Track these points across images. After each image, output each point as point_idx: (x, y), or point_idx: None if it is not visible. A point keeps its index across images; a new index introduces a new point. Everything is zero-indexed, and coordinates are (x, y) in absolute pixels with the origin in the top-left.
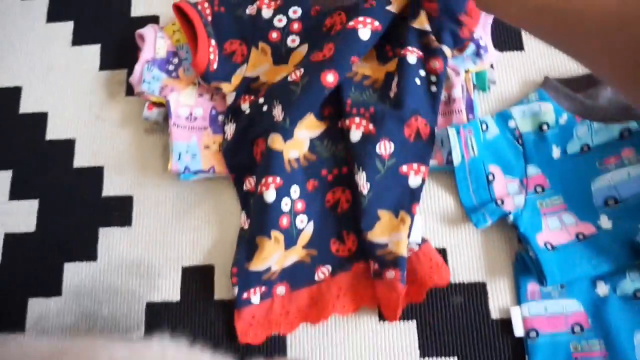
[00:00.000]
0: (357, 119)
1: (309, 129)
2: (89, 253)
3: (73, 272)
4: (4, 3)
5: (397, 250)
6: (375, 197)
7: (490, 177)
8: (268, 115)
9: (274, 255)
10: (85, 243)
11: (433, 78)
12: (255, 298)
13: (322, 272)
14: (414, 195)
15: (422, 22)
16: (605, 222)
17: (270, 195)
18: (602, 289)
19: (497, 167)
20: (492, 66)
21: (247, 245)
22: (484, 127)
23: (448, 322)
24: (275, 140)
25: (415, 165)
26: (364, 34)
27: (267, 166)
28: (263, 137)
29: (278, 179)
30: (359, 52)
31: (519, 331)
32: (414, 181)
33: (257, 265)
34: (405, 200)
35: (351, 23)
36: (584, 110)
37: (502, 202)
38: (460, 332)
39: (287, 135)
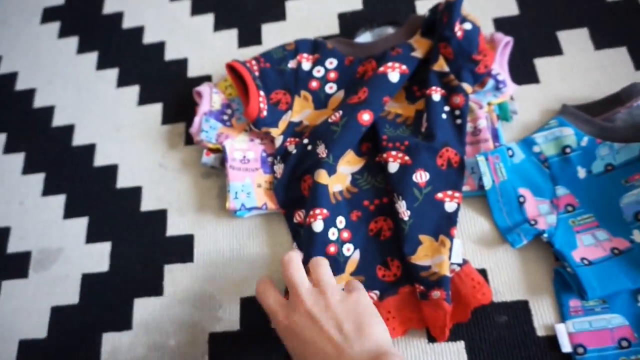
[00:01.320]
0: (393, 152)
1: (350, 164)
2: (156, 288)
3: (142, 307)
4: (81, 75)
5: (440, 271)
6: (416, 223)
7: (522, 199)
8: (313, 154)
9: None
10: (152, 280)
11: (457, 112)
12: None
13: (371, 297)
14: (451, 219)
15: (441, 65)
16: (638, 237)
17: (318, 226)
18: None
19: (526, 189)
20: (512, 98)
21: None
22: (510, 152)
23: (495, 341)
24: (321, 175)
25: (449, 192)
26: (394, 76)
27: (314, 199)
28: (309, 173)
29: (325, 211)
30: (390, 93)
31: (566, 347)
32: (449, 207)
33: None
34: (444, 225)
35: (381, 69)
36: (603, 132)
37: (536, 222)
38: (508, 351)
39: (331, 170)
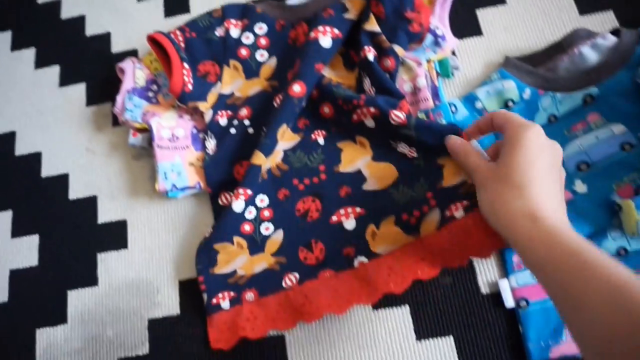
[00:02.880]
0: (358, 110)
1: (284, 140)
2: (90, 279)
3: (76, 299)
4: None
5: None
6: (427, 154)
7: None
8: (255, 139)
9: (237, 259)
10: (85, 270)
11: (387, 76)
12: (225, 304)
13: (290, 279)
14: (455, 127)
15: (372, 24)
16: (580, 187)
17: (238, 206)
18: None
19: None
20: (453, 53)
21: (206, 253)
22: (453, 109)
23: (440, 303)
24: (256, 156)
25: (434, 113)
26: (325, 42)
27: (244, 180)
28: (248, 159)
29: (249, 191)
30: (323, 60)
31: (509, 302)
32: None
33: (221, 268)
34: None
35: (312, 34)
36: (546, 82)
37: None
38: (453, 312)
39: (268, 150)
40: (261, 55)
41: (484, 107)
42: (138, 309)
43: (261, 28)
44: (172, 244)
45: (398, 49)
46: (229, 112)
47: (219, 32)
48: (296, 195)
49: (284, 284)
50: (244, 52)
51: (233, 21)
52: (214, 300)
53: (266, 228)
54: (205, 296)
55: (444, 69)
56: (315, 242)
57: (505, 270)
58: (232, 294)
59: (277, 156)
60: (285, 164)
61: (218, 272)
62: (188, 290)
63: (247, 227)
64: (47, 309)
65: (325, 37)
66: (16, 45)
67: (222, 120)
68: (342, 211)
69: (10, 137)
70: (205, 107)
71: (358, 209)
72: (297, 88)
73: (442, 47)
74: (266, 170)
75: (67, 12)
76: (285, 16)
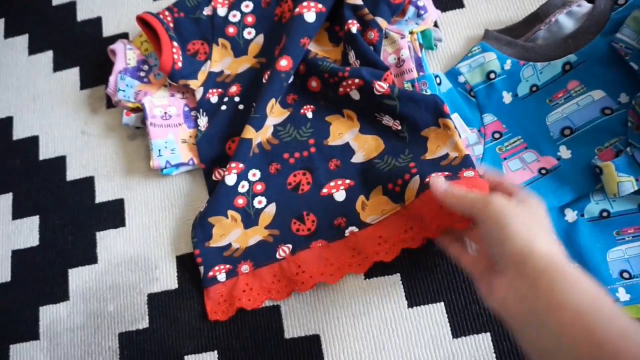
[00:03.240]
0: (344, 83)
1: (274, 116)
2: (89, 257)
3: (78, 277)
4: None
5: (460, 152)
6: (410, 124)
7: None
8: (245, 115)
9: (232, 232)
10: (85, 248)
11: (371, 49)
12: (221, 276)
13: (283, 250)
14: (437, 99)
15: None
16: (564, 152)
17: (230, 179)
18: (570, 215)
19: (456, 116)
20: (436, 25)
21: (201, 227)
22: (438, 80)
23: (431, 270)
24: (247, 131)
25: (418, 83)
26: (310, 17)
27: (235, 153)
28: (240, 135)
29: (241, 165)
30: (309, 35)
31: None
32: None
33: (216, 241)
34: (435, 108)
35: (297, 10)
36: (526, 53)
37: None
38: (443, 278)
39: (259, 124)
40: (248, 33)
41: (466, 81)
42: (137, 284)
43: (247, 6)
44: (169, 220)
45: (381, 21)
46: (219, 90)
47: (206, 11)
48: (287, 169)
49: (277, 256)
50: (231, 30)
51: (220, 0)
52: (210, 273)
53: (259, 202)
54: (201, 269)
55: (427, 41)
56: (307, 214)
57: None
58: (227, 266)
59: (268, 131)
60: (275, 138)
61: (213, 245)
62: (185, 265)
63: (240, 201)
64: (49, 287)
65: (310, 12)
66: (9, 32)
67: (213, 98)
68: (332, 183)
69: (7, 122)
70: (196, 85)
71: (348, 181)
72: (284, 62)
73: (424, 19)
74: (257, 144)
75: None
76: None
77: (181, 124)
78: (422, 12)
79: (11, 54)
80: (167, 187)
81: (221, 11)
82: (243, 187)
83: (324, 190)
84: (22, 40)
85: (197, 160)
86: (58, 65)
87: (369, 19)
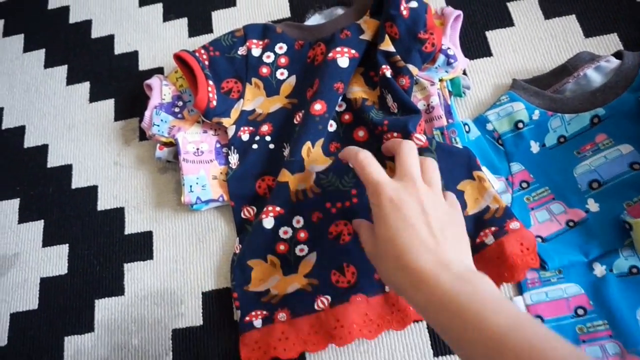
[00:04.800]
0: (387, 135)
1: (316, 163)
2: (117, 288)
3: (103, 308)
4: (29, 74)
5: (500, 204)
6: (448, 179)
7: None
8: (276, 155)
9: (271, 278)
10: (112, 279)
11: (405, 93)
12: (257, 322)
13: (322, 301)
14: (471, 157)
15: (387, 45)
16: (592, 206)
17: (268, 223)
18: (599, 269)
19: (483, 167)
20: (464, 73)
21: (241, 269)
22: (467, 128)
23: None
24: (283, 174)
25: (452, 140)
26: (343, 62)
27: (272, 197)
28: (271, 175)
29: (278, 208)
30: (342, 79)
31: None
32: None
33: (255, 286)
34: (468, 162)
35: (330, 55)
36: (554, 104)
37: None
38: None
39: (294, 167)
40: (281, 74)
41: (494, 129)
42: (162, 319)
43: (281, 47)
44: (196, 255)
45: (412, 68)
46: (251, 128)
47: (241, 51)
48: (329, 218)
49: (316, 306)
50: (265, 70)
51: (255, 41)
52: (247, 318)
53: (301, 249)
54: (238, 313)
55: (456, 88)
56: (347, 265)
57: (520, 287)
58: (264, 312)
59: (311, 178)
60: (317, 186)
61: (252, 290)
62: (210, 301)
63: (282, 247)
64: (75, 317)
65: (343, 58)
66: (49, 63)
67: (245, 136)
68: None
69: (43, 149)
70: (228, 122)
71: None
72: (318, 107)
73: (454, 67)
74: (302, 190)
75: (97, 31)
76: (304, 36)
77: (212, 160)
78: (452, 60)
79: (50, 83)
80: (196, 222)
81: (255, 52)
82: (286, 233)
83: None
84: (62, 71)
85: (227, 197)
86: (94, 96)
87: (401, 65)
